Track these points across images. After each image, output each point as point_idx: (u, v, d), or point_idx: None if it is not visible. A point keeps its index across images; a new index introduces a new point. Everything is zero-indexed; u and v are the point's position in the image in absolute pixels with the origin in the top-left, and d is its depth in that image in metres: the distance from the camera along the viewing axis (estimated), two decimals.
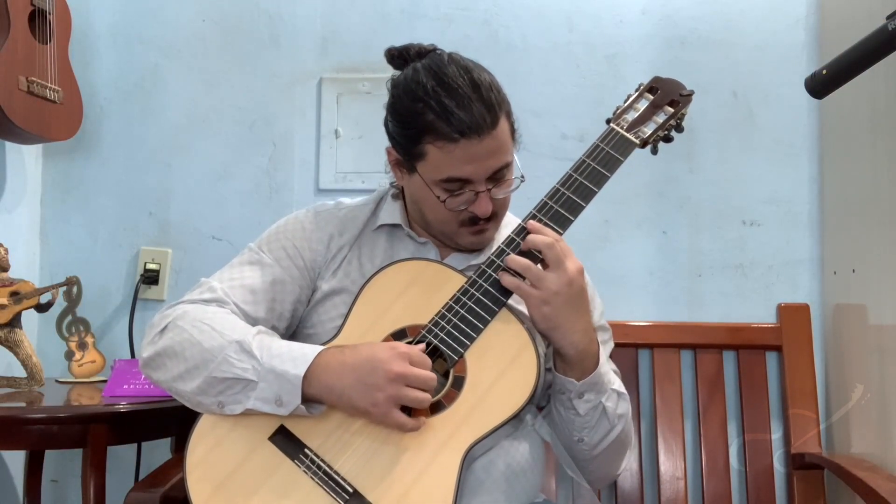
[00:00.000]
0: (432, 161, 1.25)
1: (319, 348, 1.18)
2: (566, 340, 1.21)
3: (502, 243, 1.27)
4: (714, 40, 2.00)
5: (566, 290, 1.19)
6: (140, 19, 2.14)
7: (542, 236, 1.22)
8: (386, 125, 1.33)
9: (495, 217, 1.32)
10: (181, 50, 2.13)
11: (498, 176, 1.27)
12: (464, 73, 1.25)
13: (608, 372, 1.28)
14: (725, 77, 1.99)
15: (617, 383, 1.30)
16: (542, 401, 1.39)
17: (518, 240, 1.25)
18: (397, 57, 1.34)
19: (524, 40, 2.05)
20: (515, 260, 1.22)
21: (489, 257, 1.26)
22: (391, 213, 1.40)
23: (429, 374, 1.14)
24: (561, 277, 1.20)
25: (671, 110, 1.34)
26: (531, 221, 1.25)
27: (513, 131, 1.30)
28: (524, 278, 1.21)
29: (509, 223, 1.43)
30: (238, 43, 2.12)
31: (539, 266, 1.21)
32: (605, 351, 1.32)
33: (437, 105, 1.22)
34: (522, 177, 1.31)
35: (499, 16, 2.06)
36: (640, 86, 1.38)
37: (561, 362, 1.25)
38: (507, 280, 1.22)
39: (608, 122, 1.34)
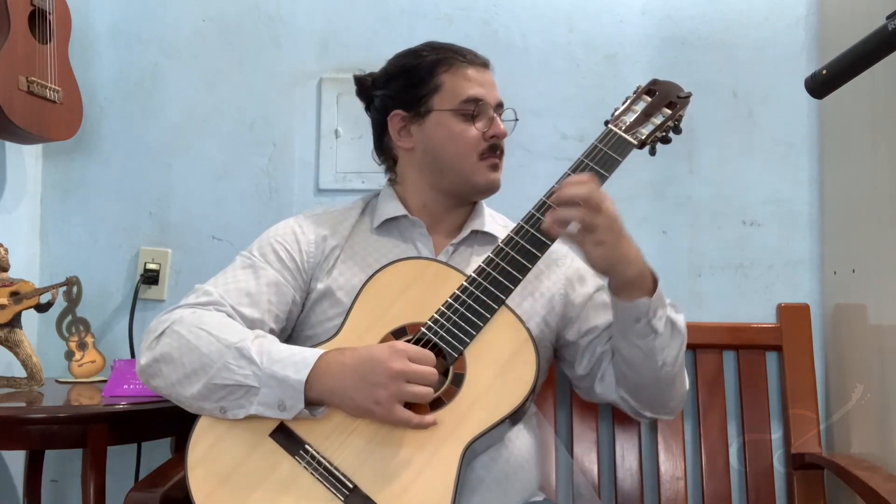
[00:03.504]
0: (449, 87, 1.39)
1: (319, 352, 1.19)
2: (629, 267, 1.24)
3: (501, 242, 1.28)
4: (714, 40, 2.00)
5: (614, 223, 1.22)
6: (140, 19, 2.14)
7: (577, 185, 1.22)
8: (383, 103, 1.43)
9: (502, 155, 1.42)
10: (181, 50, 2.13)
11: (500, 111, 1.42)
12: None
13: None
14: (725, 77, 1.99)
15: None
16: (587, 362, 1.41)
17: (516, 238, 1.27)
18: (366, 79, 1.50)
19: (524, 40, 2.05)
20: (556, 216, 1.22)
21: (488, 256, 1.27)
22: (390, 207, 1.43)
23: (429, 370, 1.15)
24: (607, 214, 1.21)
25: (669, 112, 1.36)
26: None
27: None
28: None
29: (507, 224, 1.44)
30: (238, 43, 2.12)
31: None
32: None
33: (444, 48, 1.42)
34: (516, 117, 1.44)
35: (499, 16, 2.06)
36: (638, 88, 1.39)
37: (626, 290, 1.26)
38: (561, 231, 1.21)
39: (606, 123, 1.35)
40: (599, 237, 1.20)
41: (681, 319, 1.33)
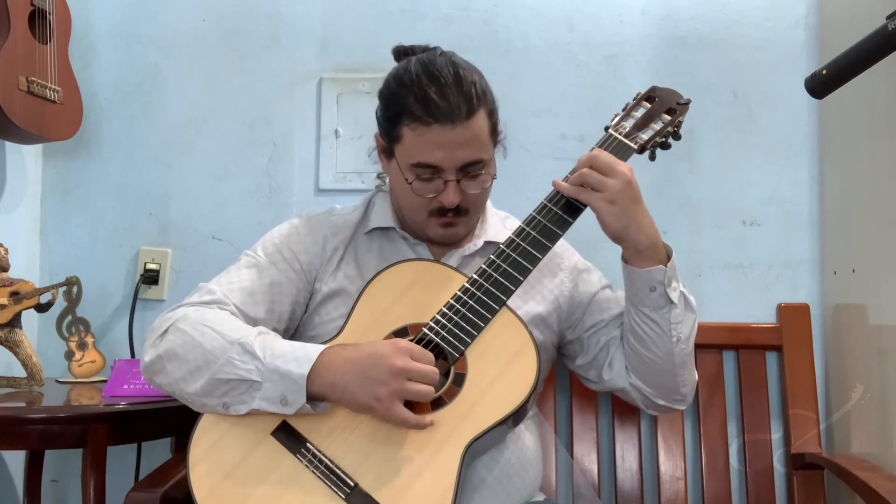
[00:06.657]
0: (406, 144, 1.28)
1: (321, 347, 1.19)
2: (641, 233, 1.27)
3: (503, 244, 1.28)
4: (714, 40, 2.00)
5: (628, 187, 1.25)
6: (140, 19, 2.14)
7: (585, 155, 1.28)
8: (376, 112, 1.36)
9: (465, 213, 1.34)
10: (181, 50, 2.13)
11: (470, 170, 1.29)
12: (451, 66, 1.27)
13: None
14: (725, 77, 1.99)
15: None
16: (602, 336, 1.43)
17: (517, 241, 1.27)
18: (403, 55, 1.38)
19: (524, 40, 2.05)
20: (573, 178, 1.28)
21: (489, 257, 1.27)
22: (383, 216, 1.42)
23: (430, 369, 1.15)
24: (620, 177, 1.25)
25: (668, 118, 1.37)
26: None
27: (494, 132, 1.32)
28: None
29: (510, 226, 1.44)
30: (238, 43, 2.12)
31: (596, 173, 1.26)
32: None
33: (418, 89, 1.25)
34: (494, 176, 1.34)
35: (499, 16, 2.06)
36: (637, 94, 1.40)
37: (639, 259, 1.29)
38: (570, 188, 1.27)
39: (606, 129, 1.36)
40: (610, 196, 1.24)
41: (693, 299, 1.35)
